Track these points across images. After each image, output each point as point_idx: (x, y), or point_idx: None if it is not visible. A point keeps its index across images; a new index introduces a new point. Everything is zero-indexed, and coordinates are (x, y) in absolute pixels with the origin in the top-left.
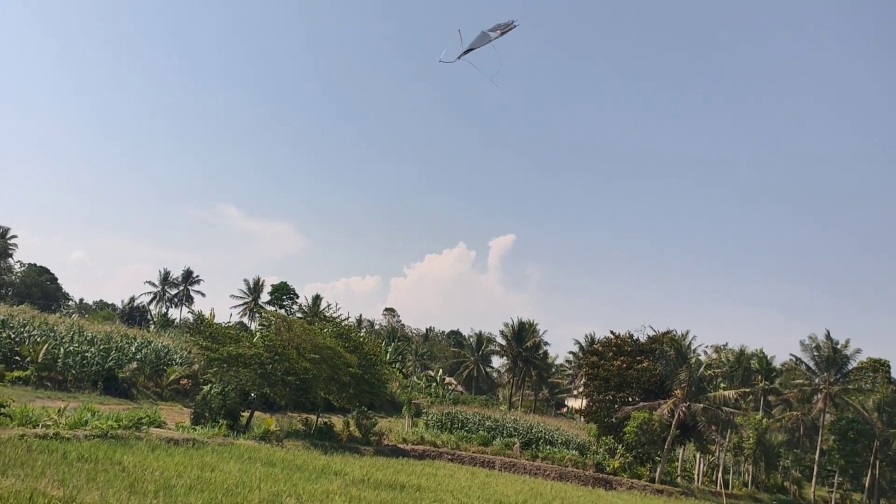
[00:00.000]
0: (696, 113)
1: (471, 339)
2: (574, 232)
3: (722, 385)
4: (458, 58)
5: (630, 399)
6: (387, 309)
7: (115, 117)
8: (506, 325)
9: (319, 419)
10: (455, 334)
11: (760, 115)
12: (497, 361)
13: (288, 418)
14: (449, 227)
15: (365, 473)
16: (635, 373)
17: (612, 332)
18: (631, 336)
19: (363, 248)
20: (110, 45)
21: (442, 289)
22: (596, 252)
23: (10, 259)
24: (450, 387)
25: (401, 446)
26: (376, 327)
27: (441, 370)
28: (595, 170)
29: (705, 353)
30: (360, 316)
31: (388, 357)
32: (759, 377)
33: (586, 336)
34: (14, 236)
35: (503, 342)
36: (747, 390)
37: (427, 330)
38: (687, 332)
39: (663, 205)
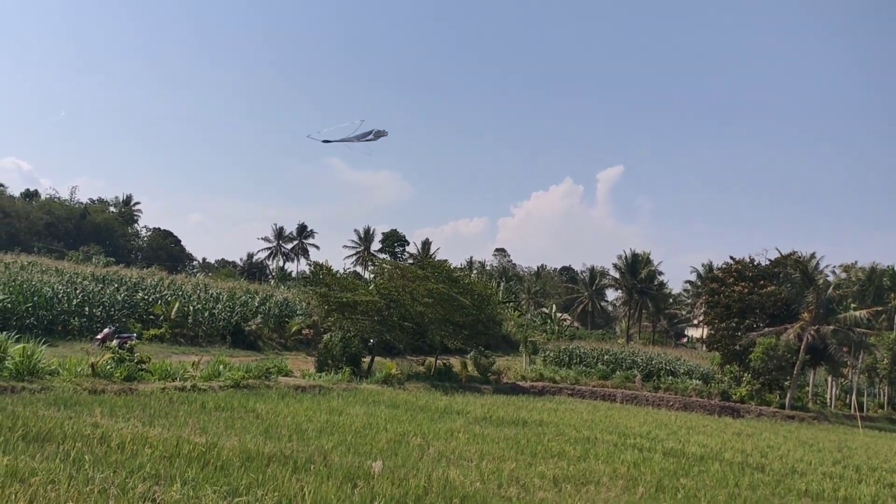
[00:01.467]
0: (817, 42)
1: (583, 275)
2: (686, 158)
3: (852, 306)
4: (324, 141)
5: (754, 325)
6: (497, 249)
7: (224, 86)
8: (618, 257)
9: (438, 361)
10: (567, 270)
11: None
12: (611, 295)
13: (407, 362)
14: (554, 163)
15: (486, 411)
16: (758, 298)
17: (731, 258)
18: (752, 260)
19: (469, 190)
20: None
21: (551, 225)
22: (709, 178)
23: (136, 225)
24: (565, 323)
25: (520, 384)
26: (487, 268)
27: (555, 307)
28: (706, 94)
29: (833, 273)
30: (471, 258)
31: (500, 297)
32: (893, 295)
33: (703, 264)
34: (137, 203)
35: (617, 275)
36: (880, 309)
37: (538, 268)
38: (812, 254)
39: (781, 129)
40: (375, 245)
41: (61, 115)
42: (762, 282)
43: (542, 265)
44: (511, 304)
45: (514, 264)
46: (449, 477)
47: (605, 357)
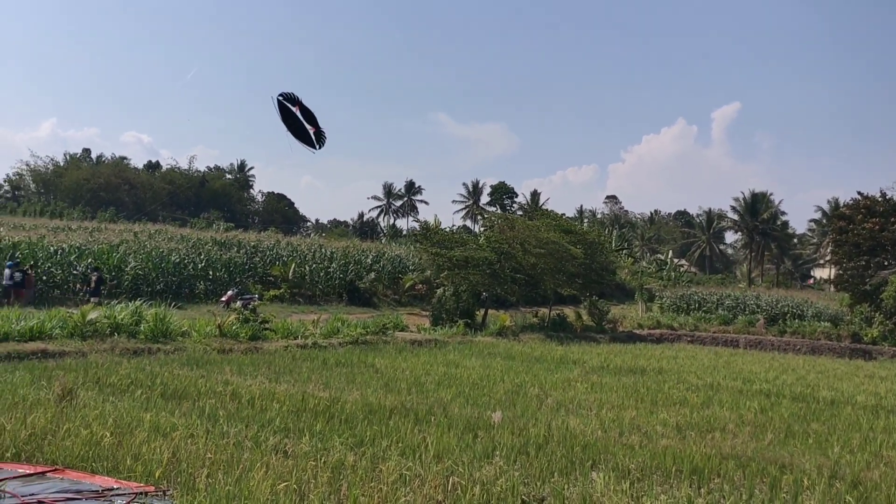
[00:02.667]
0: None
1: (699, 218)
2: (809, 91)
3: None
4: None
5: (886, 263)
6: (608, 197)
7: (326, 46)
8: (736, 199)
9: (552, 312)
10: (682, 215)
11: None
12: (730, 237)
13: (521, 314)
14: (665, 104)
15: (603, 360)
16: (890, 234)
17: (859, 194)
18: (883, 195)
19: (577, 137)
20: None
21: (663, 169)
22: (834, 111)
23: (251, 190)
24: (681, 268)
25: (636, 332)
26: (598, 216)
27: (671, 253)
28: (828, 23)
29: None
30: (581, 207)
31: (613, 245)
32: None
33: (829, 201)
34: (251, 168)
35: (735, 217)
36: None
37: (652, 213)
38: None
39: None
40: (484, 198)
41: (190, 75)
42: (894, 218)
43: (656, 210)
44: (624, 251)
45: (626, 211)
46: (569, 426)
47: (726, 302)
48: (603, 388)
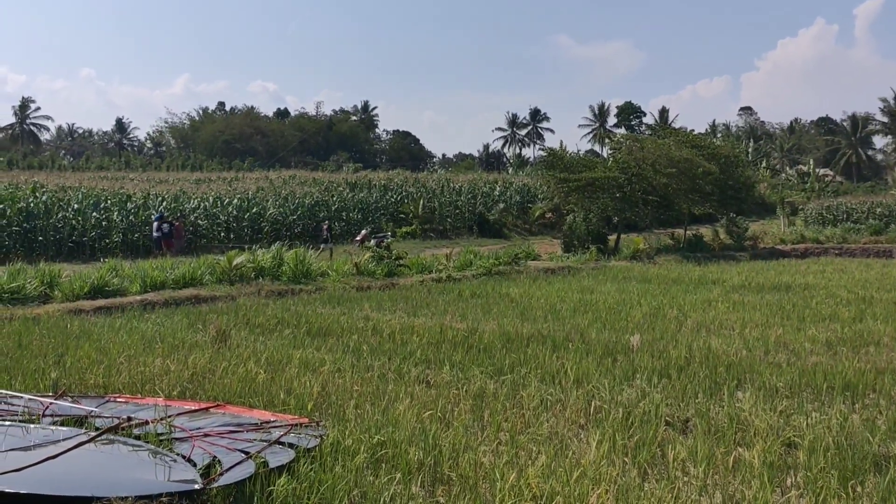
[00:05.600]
0: None
1: (844, 123)
2: None
3: None
4: None
5: None
6: (742, 109)
7: None
8: (884, 100)
9: (687, 232)
10: (824, 121)
11: None
12: (879, 142)
13: (654, 236)
14: (801, 4)
15: (744, 279)
16: None
17: None
18: None
19: (706, 47)
20: None
21: (802, 74)
22: None
23: (376, 130)
24: (826, 178)
25: (778, 248)
26: (732, 130)
27: (813, 163)
28: None
29: None
30: (713, 122)
31: (749, 158)
32: None
33: None
34: (375, 108)
35: (884, 119)
36: None
37: (791, 122)
38: None
39: None
40: (611, 120)
41: (296, 23)
42: None
43: (795, 119)
44: (762, 164)
45: (763, 122)
46: (711, 346)
47: (877, 210)
48: (745, 306)
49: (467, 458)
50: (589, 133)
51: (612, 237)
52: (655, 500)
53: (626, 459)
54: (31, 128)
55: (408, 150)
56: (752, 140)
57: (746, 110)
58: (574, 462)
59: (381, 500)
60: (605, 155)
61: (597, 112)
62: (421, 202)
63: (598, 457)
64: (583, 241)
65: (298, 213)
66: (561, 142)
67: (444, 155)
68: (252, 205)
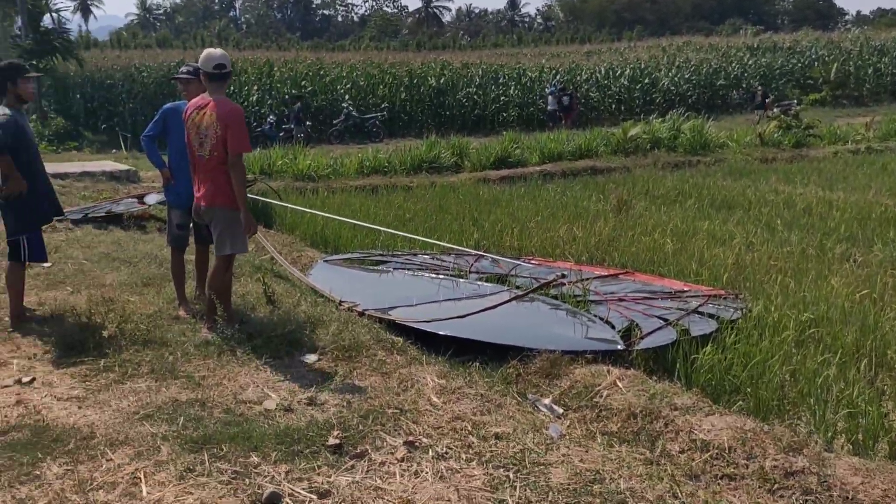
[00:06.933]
0: None
1: None
2: None
3: None
4: None
5: None
6: None
7: None
8: None
9: None
10: None
11: None
12: None
13: None
14: None
15: None
16: None
17: None
18: None
19: None
20: None
21: None
22: None
23: None
24: None
25: None
26: None
27: None
28: None
29: None
30: None
31: None
32: None
33: None
34: None
35: None
36: None
37: None
38: None
39: None
40: None
41: None
42: None
43: None
44: None
45: None
46: None
47: None
48: None
49: None
50: None
51: None
52: None
53: None
54: (435, 11)
55: (814, 9)
56: None
57: None
58: None
59: (815, 381)
60: None
61: None
62: (833, 66)
63: None
64: None
65: (693, 81)
66: None
67: (858, 12)
68: (644, 75)
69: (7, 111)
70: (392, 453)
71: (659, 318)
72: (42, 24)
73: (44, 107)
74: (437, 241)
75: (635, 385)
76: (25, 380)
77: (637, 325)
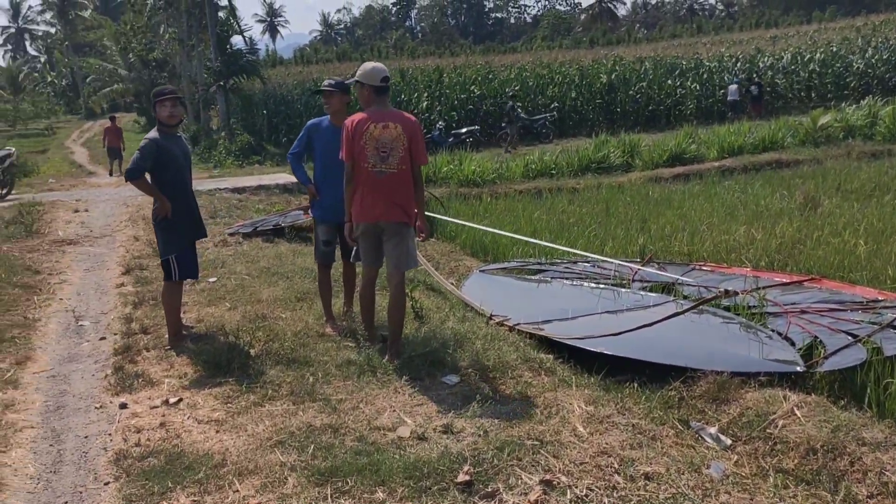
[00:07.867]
0: None
1: None
2: None
3: None
4: None
5: None
6: None
7: None
8: None
9: None
10: None
11: None
12: None
13: None
14: None
15: None
16: None
17: None
18: None
19: None
20: None
21: None
22: None
23: None
24: None
25: None
26: None
27: None
28: None
29: None
30: None
31: None
32: None
33: None
34: None
35: None
36: None
37: None
38: None
39: None
40: None
41: None
42: None
43: None
44: None
45: None
46: None
47: None
48: None
49: None
50: None
51: None
52: None
53: None
54: (610, 6)
55: None
56: None
57: None
58: None
59: None
60: None
61: None
62: None
63: None
64: None
65: (893, 62)
66: None
67: None
68: (836, 58)
69: (152, 135)
70: (525, 494)
71: (847, 333)
72: (232, 45)
73: (231, 124)
74: (590, 254)
75: (816, 414)
76: (172, 400)
77: (821, 341)
